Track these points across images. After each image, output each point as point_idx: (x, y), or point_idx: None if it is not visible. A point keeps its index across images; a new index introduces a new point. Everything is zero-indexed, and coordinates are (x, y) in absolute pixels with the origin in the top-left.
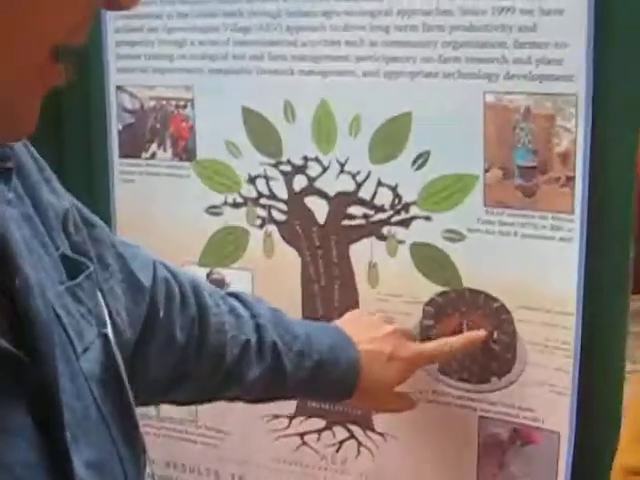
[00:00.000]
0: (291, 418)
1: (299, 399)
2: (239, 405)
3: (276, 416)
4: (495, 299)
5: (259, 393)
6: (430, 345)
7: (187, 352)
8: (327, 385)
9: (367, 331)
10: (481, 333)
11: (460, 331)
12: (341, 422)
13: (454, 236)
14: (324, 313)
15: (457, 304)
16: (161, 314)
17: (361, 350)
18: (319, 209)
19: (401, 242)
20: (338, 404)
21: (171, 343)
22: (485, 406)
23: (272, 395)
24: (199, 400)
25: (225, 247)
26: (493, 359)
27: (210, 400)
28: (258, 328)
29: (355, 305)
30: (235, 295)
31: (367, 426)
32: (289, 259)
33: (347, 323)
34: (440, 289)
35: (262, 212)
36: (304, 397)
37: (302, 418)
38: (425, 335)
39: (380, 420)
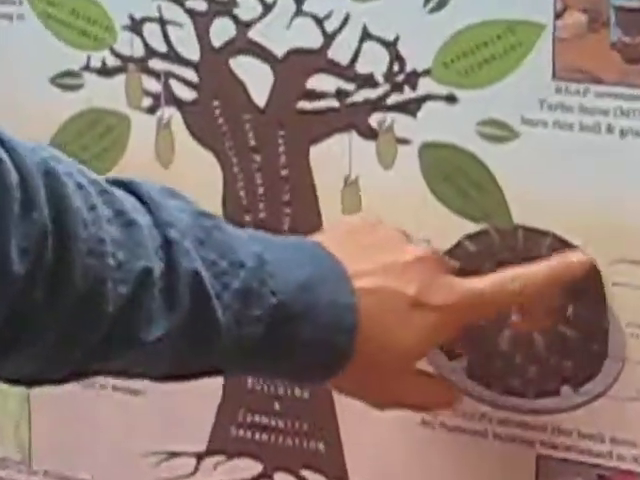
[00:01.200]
0: (200, 457)
1: (235, 387)
2: (104, 431)
3: (173, 454)
4: (572, 245)
5: (172, 364)
6: (487, 282)
7: (31, 292)
8: (296, 353)
9: (372, 254)
10: (580, 257)
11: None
12: (289, 466)
13: (497, 132)
14: None
15: (502, 254)
16: None
17: (361, 290)
18: (257, 80)
19: (403, 142)
20: (306, 414)
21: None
22: (549, 437)
23: (196, 367)
24: (48, 376)
25: (88, 146)
26: (565, 354)
27: (76, 378)
28: (168, 246)
29: None
30: (125, 184)
31: (337, 475)
32: (201, 170)
33: (334, 238)
34: (472, 227)
35: (154, 84)
36: (251, 373)
37: (220, 458)
38: None
39: (361, 464)
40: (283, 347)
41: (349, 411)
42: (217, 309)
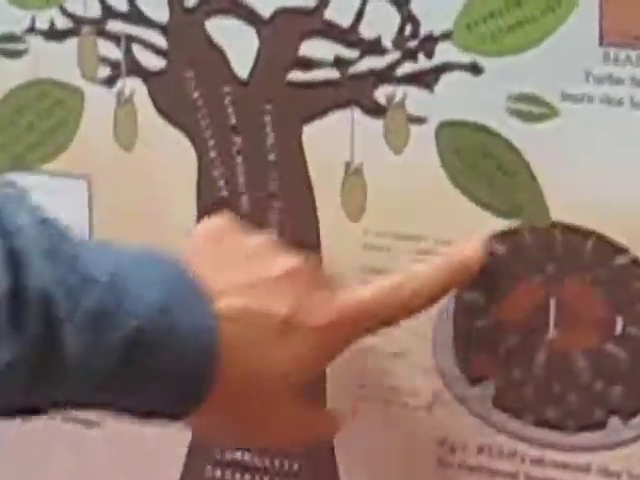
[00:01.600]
0: None
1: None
2: (52, 469)
3: None
4: (620, 248)
5: (15, 395)
6: (371, 291)
7: None
8: (150, 386)
9: (237, 268)
10: (474, 247)
11: (543, 318)
12: None
13: (532, 109)
14: None
15: (536, 256)
16: None
17: (223, 311)
18: (239, 46)
19: (417, 120)
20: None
21: None
22: None
23: (40, 399)
24: None
25: (33, 125)
26: (613, 379)
27: None
28: (13, 262)
29: (314, 253)
30: None
31: None
32: (170, 154)
33: (192, 250)
34: (501, 224)
35: (112, 51)
36: (98, 408)
37: None
38: (466, 324)
39: None
40: (137, 379)
41: (351, 448)
42: (67, 333)
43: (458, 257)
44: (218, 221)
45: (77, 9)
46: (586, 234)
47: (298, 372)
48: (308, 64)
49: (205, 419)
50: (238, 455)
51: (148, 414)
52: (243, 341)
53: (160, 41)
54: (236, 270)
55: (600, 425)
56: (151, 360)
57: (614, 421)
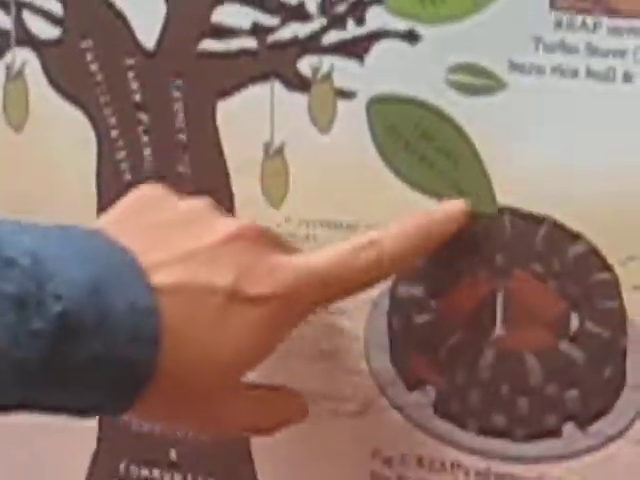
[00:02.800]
0: None
1: (115, 428)
2: None
3: None
4: (576, 235)
5: None
6: (332, 253)
7: None
8: (85, 376)
9: (171, 236)
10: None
11: (489, 314)
12: None
13: (475, 82)
14: None
15: (481, 245)
16: None
17: (160, 286)
18: (143, 13)
19: (346, 95)
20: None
21: None
22: None
23: None
24: None
25: None
26: (568, 382)
27: None
28: None
29: None
30: None
31: None
32: (66, 133)
33: (119, 221)
34: None
35: (1, 18)
36: (29, 409)
37: None
38: (402, 322)
39: None
40: (69, 370)
41: (271, 460)
42: None
43: (435, 214)
44: (144, 187)
45: None
46: (537, 220)
47: (246, 352)
48: (222, 32)
49: (148, 408)
50: (145, 471)
51: (81, 411)
52: (185, 319)
53: (55, 7)
54: (171, 239)
55: (554, 433)
56: (84, 348)
57: (570, 428)
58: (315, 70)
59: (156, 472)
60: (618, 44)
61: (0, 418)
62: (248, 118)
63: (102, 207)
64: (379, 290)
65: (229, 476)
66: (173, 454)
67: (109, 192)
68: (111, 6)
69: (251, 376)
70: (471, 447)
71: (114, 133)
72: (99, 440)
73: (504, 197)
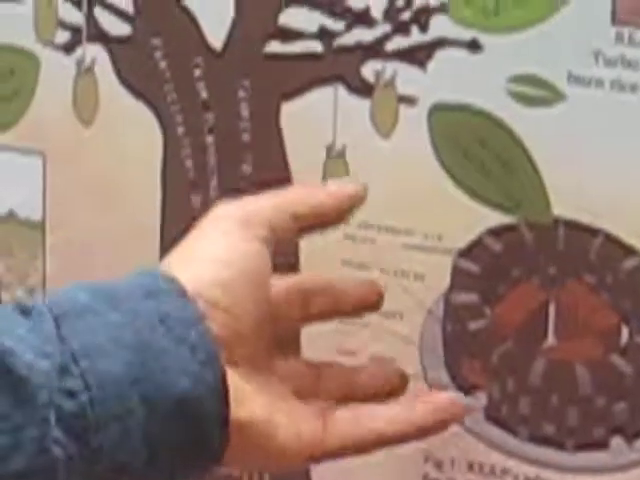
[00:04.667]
0: None
1: None
2: None
3: None
4: (630, 249)
5: None
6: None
7: None
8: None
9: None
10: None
11: (541, 323)
12: None
13: (535, 93)
14: None
15: (537, 256)
16: None
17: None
18: (212, 13)
19: (408, 101)
20: None
21: None
22: None
23: None
24: None
25: None
26: (617, 394)
27: None
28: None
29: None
30: None
31: None
32: (134, 130)
33: (187, 261)
34: (497, 218)
35: (73, 14)
36: None
37: None
38: (457, 328)
39: None
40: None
41: (327, 465)
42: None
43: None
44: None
45: None
46: (592, 233)
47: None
48: (289, 35)
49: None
50: None
51: None
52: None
53: (126, 4)
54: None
55: (601, 445)
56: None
57: (617, 441)
58: (378, 76)
59: None
60: None
61: None
62: (311, 120)
63: (166, 204)
64: (434, 297)
65: (283, 475)
66: None
67: (173, 189)
68: (181, 5)
69: None
70: (521, 454)
71: (180, 131)
72: None
73: (559, 208)
